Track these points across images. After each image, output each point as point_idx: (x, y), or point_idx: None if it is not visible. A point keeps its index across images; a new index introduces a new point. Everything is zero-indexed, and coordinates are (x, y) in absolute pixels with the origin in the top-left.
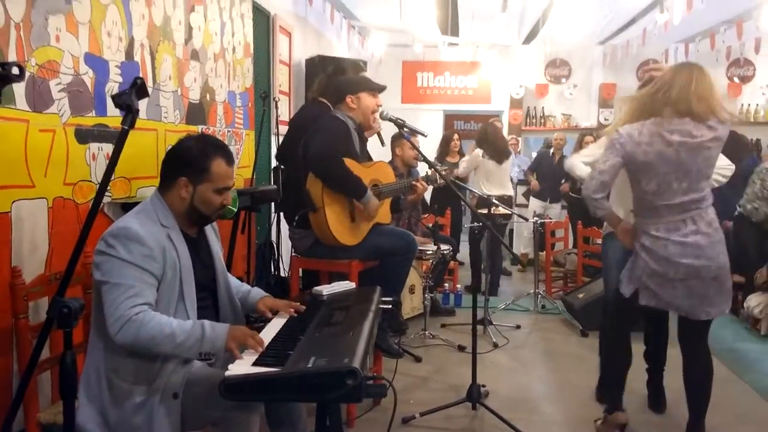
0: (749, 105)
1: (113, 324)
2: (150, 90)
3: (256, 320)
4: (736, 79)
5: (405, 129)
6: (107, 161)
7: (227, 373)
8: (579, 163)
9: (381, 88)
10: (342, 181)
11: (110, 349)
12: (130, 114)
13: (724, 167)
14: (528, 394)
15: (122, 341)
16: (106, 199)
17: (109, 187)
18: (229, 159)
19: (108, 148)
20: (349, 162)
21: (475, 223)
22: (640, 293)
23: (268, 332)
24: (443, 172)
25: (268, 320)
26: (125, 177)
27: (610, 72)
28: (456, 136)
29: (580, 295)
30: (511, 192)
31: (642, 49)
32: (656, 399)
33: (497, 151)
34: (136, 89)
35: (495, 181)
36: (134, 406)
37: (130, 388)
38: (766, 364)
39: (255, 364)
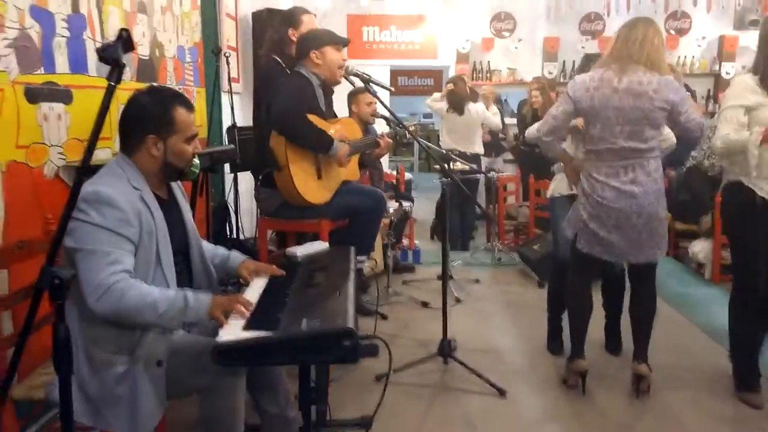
0: (685, 57)
1: (91, 293)
2: (98, 45)
3: (229, 284)
4: (672, 32)
5: (371, 84)
6: (59, 122)
7: (219, 339)
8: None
9: (345, 42)
10: (306, 135)
11: (86, 319)
12: (116, 69)
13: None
14: (493, 346)
15: (102, 311)
16: (60, 163)
17: (62, 150)
18: (189, 106)
19: (58, 107)
20: (313, 118)
21: (444, 178)
22: (579, 238)
23: (250, 296)
24: (412, 128)
25: (240, 284)
26: (78, 139)
27: (553, 25)
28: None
29: (536, 247)
30: (477, 149)
31: (585, 3)
32: (614, 343)
33: (454, 101)
34: (122, 42)
35: (458, 135)
36: (116, 377)
37: (111, 358)
38: (713, 306)
39: (245, 328)
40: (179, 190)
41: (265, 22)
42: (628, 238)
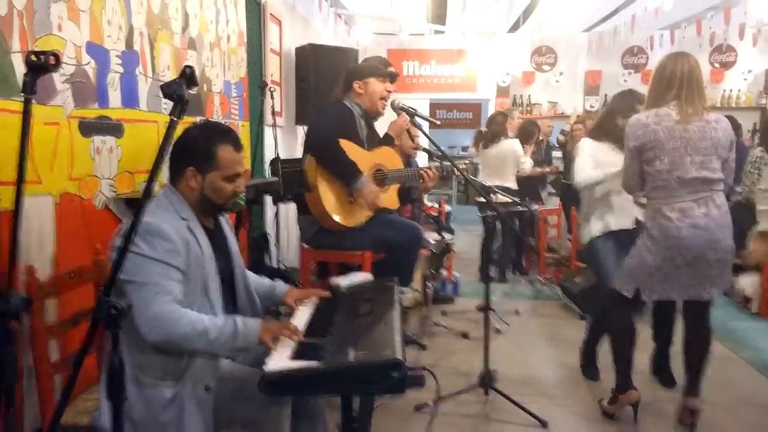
0: (731, 90)
1: (144, 324)
2: (150, 80)
3: (274, 314)
4: (717, 65)
5: (417, 117)
6: (110, 155)
7: (266, 368)
8: (590, 172)
9: (392, 76)
10: (334, 160)
11: (134, 346)
12: (180, 104)
13: None
14: (535, 378)
15: (154, 340)
16: (110, 195)
17: (113, 182)
18: (237, 145)
19: (110, 141)
20: (348, 144)
21: (489, 212)
22: (642, 292)
23: (297, 325)
24: (462, 166)
25: (285, 315)
26: (129, 171)
27: (595, 59)
28: None
29: (577, 280)
30: (509, 183)
31: (628, 36)
32: (666, 374)
33: (487, 136)
34: (186, 78)
35: (490, 170)
36: (163, 402)
37: (158, 384)
38: (760, 340)
39: (292, 358)
40: (224, 220)
41: (308, 56)
42: (699, 275)
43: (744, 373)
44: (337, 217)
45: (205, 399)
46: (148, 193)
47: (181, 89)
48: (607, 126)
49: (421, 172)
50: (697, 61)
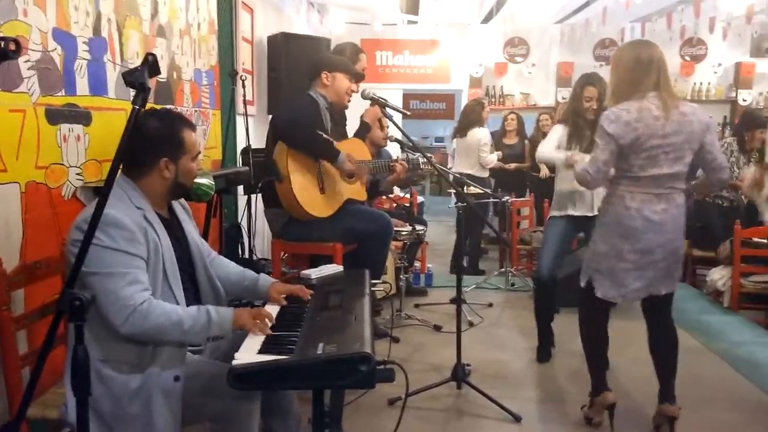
0: (701, 83)
1: (117, 314)
2: (118, 68)
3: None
4: (688, 58)
5: (387, 108)
6: (77, 143)
7: (235, 362)
8: (551, 151)
9: (359, 77)
10: (312, 142)
11: (97, 339)
12: (141, 93)
13: None
14: (507, 372)
15: (128, 331)
16: (77, 183)
17: (80, 171)
18: (192, 126)
19: (78, 129)
20: None
21: (459, 203)
22: (595, 284)
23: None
24: (427, 156)
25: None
26: (96, 159)
27: (567, 51)
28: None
29: None
30: (478, 172)
31: (600, 29)
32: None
33: (461, 125)
34: (148, 66)
35: (460, 158)
36: (129, 395)
37: (123, 377)
38: (732, 334)
39: (261, 352)
40: (181, 208)
41: (280, 46)
42: (646, 276)
43: (716, 367)
44: (307, 207)
45: (173, 389)
46: (109, 183)
47: (143, 77)
48: (574, 110)
49: (391, 165)
50: (660, 49)
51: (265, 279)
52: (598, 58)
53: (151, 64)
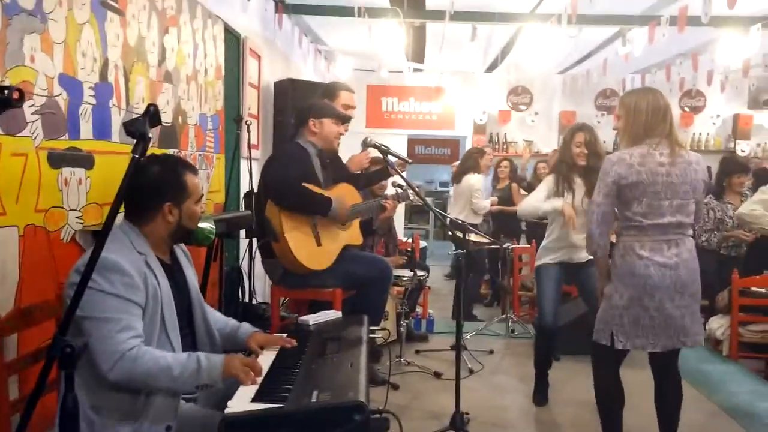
0: (700, 134)
1: (105, 361)
2: (123, 112)
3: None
4: (687, 109)
5: (389, 156)
6: (79, 186)
7: (227, 410)
8: (533, 203)
9: (346, 118)
10: (301, 200)
11: (89, 386)
12: (142, 142)
13: None
14: (506, 420)
15: (115, 378)
16: (76, 227)
17: (80, 214)
18: (194, 169)
19: (80, 172)
20: (308, 186)
21: (458, 250)
22: (615, 337)
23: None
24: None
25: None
26: (97, 203)
27: (569, 100)
28: None
29: None
30: (469, 218)
31: (601, 79)
32: None
33: (459, 171)
34: (149, 116)
35: (455, 203)
36: None
37: (115, 425)
38: (731, 384)
39: (254, 400)
40: (183, 253)
41: (287, 90)
42: (669, 323)
43: (715, 418)
44: (307, 264)
45: None
46: (107, 228)
47: (144, 127)
48: (562, 158)
49: (382, 203)
50: (665, 97)
51: (246, 328)
52: (600, 107)
53: (152, 115)
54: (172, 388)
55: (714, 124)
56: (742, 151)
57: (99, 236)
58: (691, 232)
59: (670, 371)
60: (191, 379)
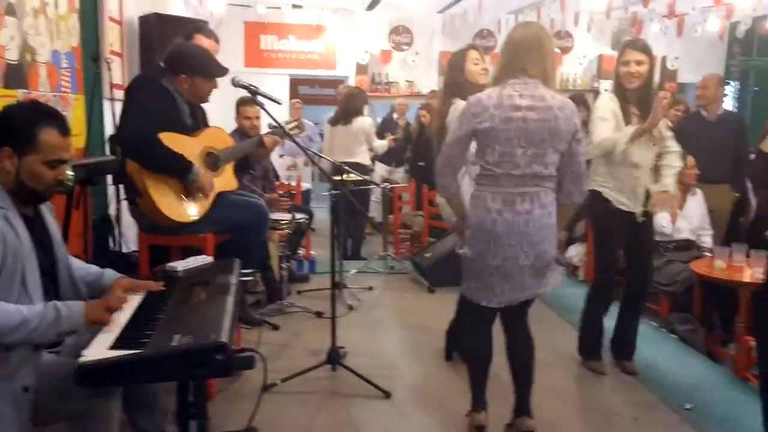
0: (568, 74)
1: None
2: None
3: None
4: (557, 50)
5: (258, 96)
6: None
7: (82, 359)
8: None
9: (221, 74)
10: (159, 162)
11: None
12: None
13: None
14: (384, 353)
15: None
16: None
17: None
18: (63, 129)
19: None
20: (170, 136)
21: (333, 191)
22: (468, 292)
23: (123, 313)
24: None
25: None
26: None
27: (449, 40)
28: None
29: (427, 255)
30: (365, 160)
31: (477, 19)
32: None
33: (348, 112)
34: None
35: (343, 146)
36: None
37: None
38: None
39: (113, 347)
40: (46, 206)
41: (152, 27)
42: (512, 280)
43: (568, 336)
44: (176, 217)
45: (23, 400)
46: None
47: None
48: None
49: (262, 137)
50: (550, 35)
51: (109, 274)
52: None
53: None
54: (31, 341)
55: (581, 64)
56: (606, 89)
57: None
58: (552, 184)
59: (521, 321)
60: (51, 329)
